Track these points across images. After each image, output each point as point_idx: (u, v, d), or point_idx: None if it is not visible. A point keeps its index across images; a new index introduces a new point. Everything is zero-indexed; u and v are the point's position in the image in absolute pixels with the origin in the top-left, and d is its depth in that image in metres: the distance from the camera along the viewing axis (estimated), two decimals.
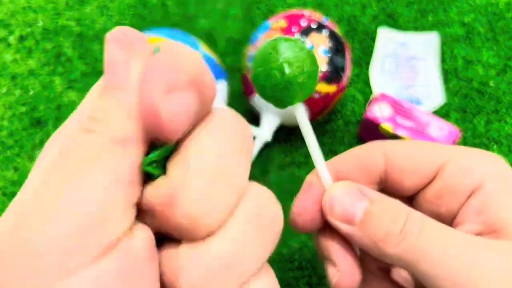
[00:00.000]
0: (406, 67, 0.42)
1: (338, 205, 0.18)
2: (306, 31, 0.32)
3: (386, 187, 0.21)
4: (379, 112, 0.35)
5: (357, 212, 0.18)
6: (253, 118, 0.39)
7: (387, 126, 0.34)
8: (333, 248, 0.19)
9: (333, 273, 0.19)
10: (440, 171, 0.19)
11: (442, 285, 0.16)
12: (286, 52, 0.17)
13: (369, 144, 0.20)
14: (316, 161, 0.20)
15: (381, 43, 0.43)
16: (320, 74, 0.32)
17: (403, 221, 0.17)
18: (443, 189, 0.19)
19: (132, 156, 0.12)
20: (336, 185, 0.19)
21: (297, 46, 0.17)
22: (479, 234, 0.18)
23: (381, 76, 0.41)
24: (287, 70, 0.17)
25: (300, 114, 0.19)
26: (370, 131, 0.36)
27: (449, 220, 0.19)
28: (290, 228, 0.34)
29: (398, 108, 0.35)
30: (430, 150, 0.19)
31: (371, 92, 0.40)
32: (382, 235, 0.17)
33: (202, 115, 0.14)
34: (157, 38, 0.32)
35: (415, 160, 0.19)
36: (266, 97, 0.18)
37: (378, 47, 0.43)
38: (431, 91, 0.40)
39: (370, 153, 0.20)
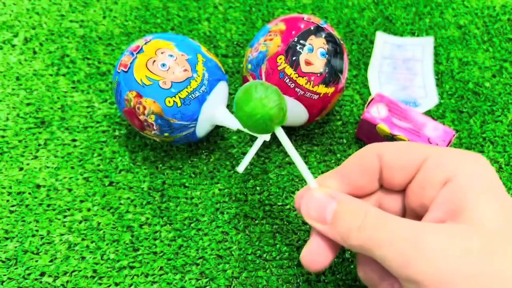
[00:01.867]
0: (404, 69, 0.43)
1: (313, 209, 0.23)
2: (304, 34, 0.33)
3: (384, 184, 0.24)
4: (376, 113, 0.35)
5: (327, 214, 0.22)
6: None
7: (383, 126, 0.35)
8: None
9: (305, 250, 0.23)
10: (422, 166, 0.22)
11: (391, 265, 0.19)
12: (261, 92, 0.23)
13: (365, 148, 0.23)
14: (300, 168, 0.24)
15: (379, 46, 0.44)
16: (319, 76, 0.33)
17: (361, 218, 0.21)
18: (423, 181, 0.22)
19: None
20: (313, 190, 0.23)
21: (266, 87, 0.23)
22: (441, 221, 0.20)
23: (379, 77, 0.42)
24: (265, 108, 0.23)
25: (281, 136, 0.25)
26: (368, 132, 0.36)
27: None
28: (289, 226, 0.35)
29: (394, 108, 0.35)
30: (415, 149, 0.22)
31: (369, 93, 0.41)
32: (346, 231, 0.21)
33: None
34: (160, 42, 0.33)
35: (402, 158, 0.22)
36: (252, 130, 0.24)
37: (375, 50, 0.44)
38: (428, 91, 0.41)
39: (366, 156, 0.23)
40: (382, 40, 0.44)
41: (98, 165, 0.37)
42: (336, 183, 0.24)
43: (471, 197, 0.19)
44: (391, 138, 0.35)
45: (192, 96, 0.32)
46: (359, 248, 0.21)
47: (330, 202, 0.22)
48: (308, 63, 0.32)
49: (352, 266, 0.32)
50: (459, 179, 0.20)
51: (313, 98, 0.33)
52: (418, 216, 0.23)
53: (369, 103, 0.36)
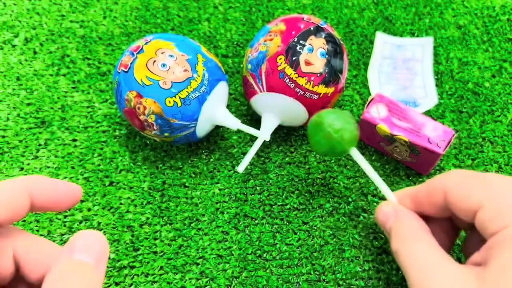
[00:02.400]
0: (403, 69, 0.43)
1: (381, 217, 0.29)
2: (304, 34, 0.33)
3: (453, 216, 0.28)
4: (376, 113, 0.35)
5: (387, 225, 0.28)
6: (253, 119, 0.40)
7: (383, 126, 0.35)
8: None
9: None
10: (477, 213, 0.24)
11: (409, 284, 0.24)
12: (334, 122, 0.29)
13: (433, 181, 0.27)
14: (379, 185, 0.30)
15: (379, 46, 0.44)
16: (319, 76, 0.33)
17: (403, 240, 0.26)
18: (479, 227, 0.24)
19: None
20: (385, 203, 0.29)
21: (340, 113, 0.29)
22: (477, 264, 0.23)
23: (379, 77, 0.42)
24: (337, 134, 0.29)
25: (356, 156, 0.30)
26: (368, 132, 0.36)
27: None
28: (289, 226, 0.35)
29: (394, 108, 0.35)
30: (473, 191, 0.24)
31: (369, 93, 0.41)
32: (392, 243, 0.27)
33: None
34: (160, 42, 0.33)
35: (463, 200, 0.25)
36: (325, 154, 0.31)
37: (375, 50, 0.44)
38: (427, 91, 0.41)
39: (435, 192, 0.26)
40: (382, 40, 0.44)
41: (99, 165, 0.37)
42: (409, 204, 0.28)
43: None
44: (391, 138, 0.35)
45: (192, 96, 0.32)
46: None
47: (392, 217, 0.28)
48: (308, 63, 0.32)
49: (352, 266, 0.32)
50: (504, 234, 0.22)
51: (313, 98, 0.33)
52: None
53: (368, 103, 0.36)
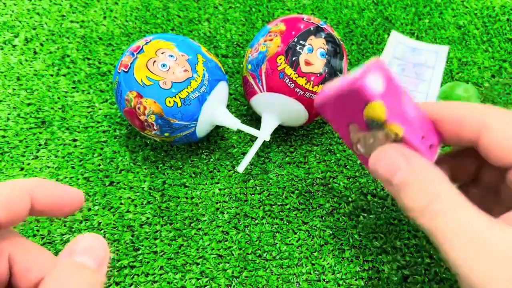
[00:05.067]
0: (412, 73, 0.42)
1: (383, 166, 0.21)
2: (304, 34, 0.33)
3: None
4: (376, 84, 0.22)
5: (396, 177, 0.20)
6: (253, 119, 0.40)
7: (380, 106, 0.22)
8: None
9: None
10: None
11: (450, 258, 0.18)
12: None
13: (462, 108, 0.21)
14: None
15: (391, 45, 0.44)
16: (319, 76, 0.33)
17: (428, 200, 0.19)
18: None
19: None
20: (390, 145, 0.21)
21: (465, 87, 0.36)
22: None
23: None
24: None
25: None
26: (343, 105, 0.24)
27: None
28: (289, 226, 0.35)
29: (391, 89, 0.23)
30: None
31: None
32: (409, 205, 0.20)
33: None
34: (160, 42, 0.33)
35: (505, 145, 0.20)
36: None
37: (387, 48, 0.44)
38: (428, 99, 0.41)
39: (465, 122, 0.21)
40: (396, 40, 0.44)
41: (99, 165, 0.37)
42: None
43: None
44: (377, 124, 0.22)
45: (192, 96, 0.32)
46: (418, 224, 0.20)
47: (402, 165, 0.20)
48: (308, 63, 0.32)
49: (351, 266, 0.32)
50: None
51: (313, 98, 0.33)
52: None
53: (364, 70, 0.22)
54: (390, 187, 0.21)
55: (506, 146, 0.19)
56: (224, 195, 0.36)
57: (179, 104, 0.31)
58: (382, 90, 0.22)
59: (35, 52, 0.44)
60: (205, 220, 0.35)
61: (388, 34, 0.45)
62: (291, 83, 0.32)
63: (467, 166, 0.25)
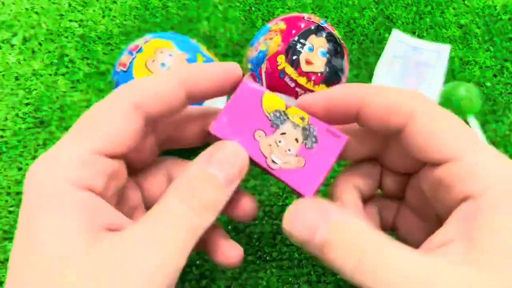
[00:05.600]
0: (414, 72, 0.42)
1: (299, 223, 0.18)
2: (305, 33, 0.33)
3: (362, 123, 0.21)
4: (257, 85, 0.22)
5: (316, 237, 0.18)
6: None
7: (274, 95, 0.21)
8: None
9: None
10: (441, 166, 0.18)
11: None
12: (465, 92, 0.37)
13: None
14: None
15: (392, 44, 0.44)
16: (319, 75, 0.32)
17: (358, 258, 0.17)
18: (435, 187, 0.19)
19: None
20: (303, 204, 0.19)
21: (467, 86, 0.38)
22: (458, 253, 0.16)
23: (386, 76, 0.42)
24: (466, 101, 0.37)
25: (473, 123, 0.38)
26: (241, 113, 0.22)
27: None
28: None
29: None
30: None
31: None
32: (337, 264, 0.17)
33: None
34: (159, 41, 0.32)
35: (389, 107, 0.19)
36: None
37: (388, 47, 0.43)
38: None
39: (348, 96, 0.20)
40: (397, 39, 0.44)
41: None
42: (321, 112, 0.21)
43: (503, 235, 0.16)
44: (280, 116, 0.21)
45: None
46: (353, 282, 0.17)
47: (320, 224, 0.18)
48: (308, 62, 0.32)
49: None
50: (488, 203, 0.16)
51: None
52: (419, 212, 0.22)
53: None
54: (309, 246, 0.18)
55: (430, 138, 0.18)
56: None
57: None
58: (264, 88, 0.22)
59: (33, 52, 0.44)
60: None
61: (389, 33, 0.45)
62: (291, 82, 0.32)
63: (370, 177, 0.23)
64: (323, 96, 0.20)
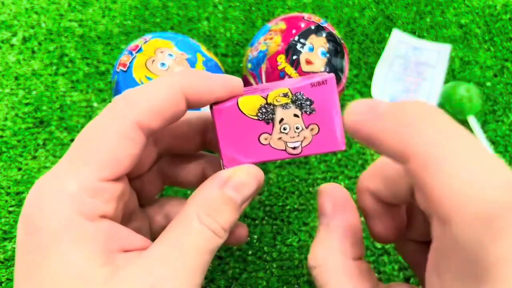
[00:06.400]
0: (414, 72, 0.42)
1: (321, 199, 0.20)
2: (305, 33, 0.33)
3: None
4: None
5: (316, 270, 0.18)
6: None
7: (248, 97, 0.20)
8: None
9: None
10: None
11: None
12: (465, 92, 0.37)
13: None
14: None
15: (393, 44, 0.43)
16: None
17: (317, 265, 0.18)
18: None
19: None
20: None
21: (467, 86, 0.38)
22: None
23: (386, 76, 0.42)
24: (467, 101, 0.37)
25: (473, 123, 0.37)
26: (233, 130, 0.21)
27: None
28: (289, 227, 0.35)
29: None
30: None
31: (369, 93, 0.41)
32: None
33: None
34: (159, 41, 0.32)
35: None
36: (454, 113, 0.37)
37: (388, 47, 0.43)
38: (429, 97, 0.41)
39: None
40: (397, 39, 0.44)
41: None
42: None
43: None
44: (267, 109, 0.20)
45: None
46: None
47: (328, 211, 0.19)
48: (308, 62, 0.32)
49: None
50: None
51: None
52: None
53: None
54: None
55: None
56: None
57: None
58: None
59: (33, 51, 0.44)
60: None
61: (389, 33, 0.45)
62: None
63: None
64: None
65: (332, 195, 0.20)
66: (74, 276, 0.16)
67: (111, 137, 0.17)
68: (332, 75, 0.20)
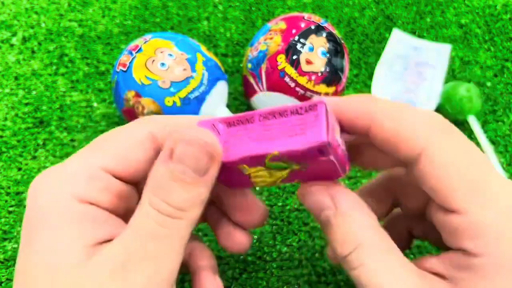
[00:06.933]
0: (414, 72, 0.42)
1: (310, 198, 0.19)
2: (305, 33, 0.33)
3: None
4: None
5: (322, 214, 0.19)
6: None
7: (243, 166, 0.18)
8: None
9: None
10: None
11: None
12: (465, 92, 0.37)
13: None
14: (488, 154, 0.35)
15: (393, 44, 0.43)
16: (320, 75, 0.32)
17: (351, 249, 0.18)
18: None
19: None
20: (318, 188, 0.19)
21: (467, 86, 0.37)
22: (437, 274, 0.18)
23: (386, 76, 0.42)
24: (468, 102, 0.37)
25: (473, 123, 0.37)
26: (231, 175, 0.19)
27: None
28: (289, 227, 0.34)
29: (233, 122, 0.19)
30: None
31: (369, 93, 0.41)
32: (333, 247, 0.19)
33: None
34: (159, 41, 0.32)
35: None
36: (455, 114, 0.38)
37: (389, 47, 0.43)
38: (430, 97, 0.40)
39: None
40: (397, 39, 0.44)
41: None
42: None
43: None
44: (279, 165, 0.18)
45: (191, 96, 0.31)
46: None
47: (327, 205, 0.19)
48: (308, 62, 0.32)
49: None
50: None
51: (314, 97, 0.33)
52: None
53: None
54: (315, 216, 0.20)
55: (440, 184, 0.17)
56: None
57: (178, 104, 0.31)
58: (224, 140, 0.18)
59: (33, 51, 0.44)
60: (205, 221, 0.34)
61: (389, 33, 0.45)
62: (291, 82, 0.32)
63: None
64: (332, 105, 0.18)
65: (321, 191, 0.19)
66: (52, 255, 0.16)
67: (126, 137, 0.19)
68: (323, 101, 0.17)
